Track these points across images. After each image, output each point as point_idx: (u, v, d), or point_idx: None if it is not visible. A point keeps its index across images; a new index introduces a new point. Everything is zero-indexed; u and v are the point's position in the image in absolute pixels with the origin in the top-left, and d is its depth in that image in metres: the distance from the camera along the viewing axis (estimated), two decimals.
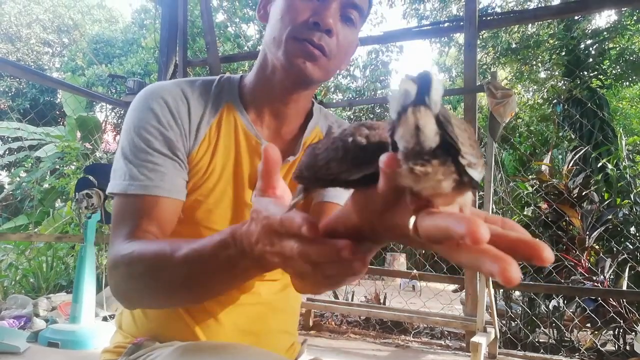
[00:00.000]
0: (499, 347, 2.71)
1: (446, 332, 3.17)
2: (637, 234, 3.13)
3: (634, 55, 7.58)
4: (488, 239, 0.28)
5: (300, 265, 0.43)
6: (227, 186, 0.83)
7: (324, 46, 0.75)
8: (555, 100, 7.01)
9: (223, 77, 0.88)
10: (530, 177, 4.12)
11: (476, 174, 0.32)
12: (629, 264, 2.87)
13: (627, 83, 8.22)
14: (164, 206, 0.75)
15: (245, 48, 8.79)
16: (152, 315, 0.86)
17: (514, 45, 8.32)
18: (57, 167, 6.47)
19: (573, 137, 5.76)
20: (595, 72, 6.83)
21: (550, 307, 3.02)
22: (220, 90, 0.86)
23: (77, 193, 2.78)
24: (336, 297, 3.73)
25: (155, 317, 0.85)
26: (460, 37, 8.05)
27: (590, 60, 6.84)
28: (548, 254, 0.31)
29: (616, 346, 2.82)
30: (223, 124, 0.83)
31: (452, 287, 4.12)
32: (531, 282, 2.98)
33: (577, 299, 2.94)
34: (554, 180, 3.33)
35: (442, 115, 0.30)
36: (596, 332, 2.83)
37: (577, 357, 2.77)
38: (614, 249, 2.99)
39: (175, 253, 0.61)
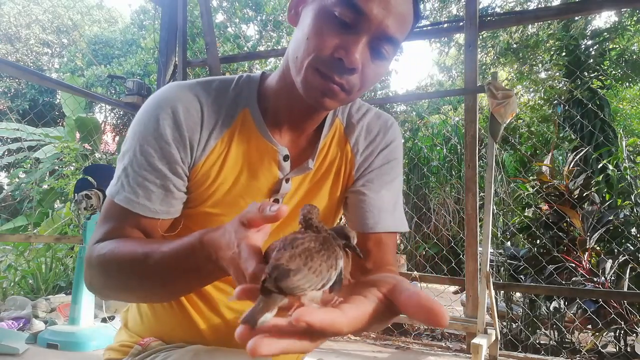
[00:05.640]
0: (500, 349, 2.70)
1: (447, 334, 3.16)
2: (638, 235, 3.12)
3: (635, 56, 7.58)
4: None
5: None
6: (239, 197, 0.79)
7: (344, 84, 0.70)
8: (555, 101, 7.00)
9: (242, 77, 0.83)
10: (531, 178, 4.11)
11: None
12: (630, 265, 2.86)
13: (628, 84, 8.22)
14: (145, 224, 0.73)
15: (245, 49, 8.76)
16: (161, 316, 0.84)
17: (514, 46, 8.30)
18: (56, 168, 6.47)
19: (574, 138, 5.75)
20: (596, 73, 6.82)
21: (551, 308, 3.01)
22: (239, 93, 0.81)
23: (76, 194, 2.78)
24: None
25: (164, 318, 0.84)
26: (460, 37, 8.04)
27: (591, 60, 6.82)
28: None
29: (617, 348, 2.81)
30: (237, 133, 0.79)
31: (453, 288, 4.11)
32: (532, 284, 2.97)
33: (578, 300, 2.93)
34: (554, 181, 3.33)
35: None
36: (597, 334, 2.82)
37: (577, 358, 2.76)
38: (615, 250, 2.98)
39: (148, 257, 0.63)
